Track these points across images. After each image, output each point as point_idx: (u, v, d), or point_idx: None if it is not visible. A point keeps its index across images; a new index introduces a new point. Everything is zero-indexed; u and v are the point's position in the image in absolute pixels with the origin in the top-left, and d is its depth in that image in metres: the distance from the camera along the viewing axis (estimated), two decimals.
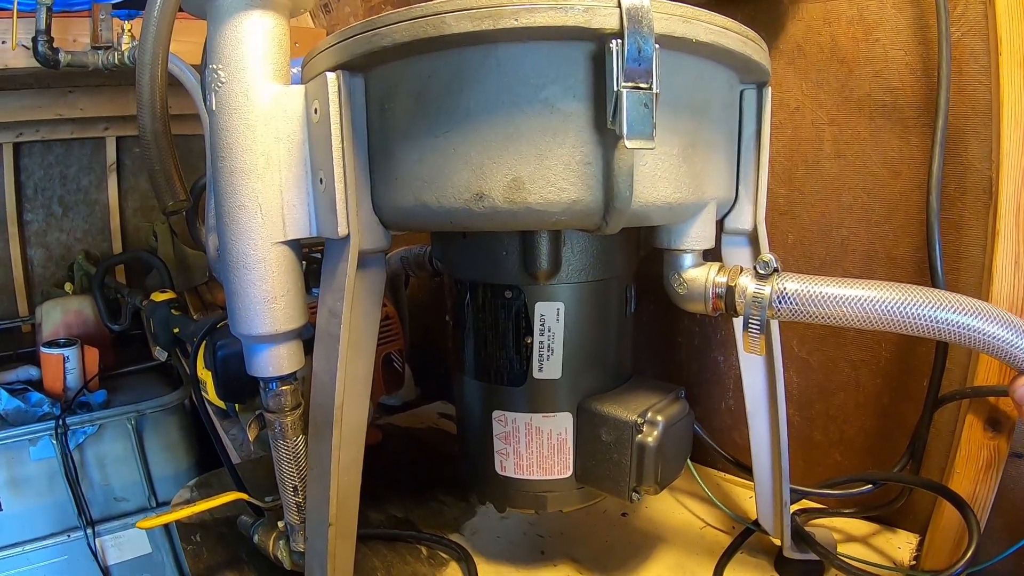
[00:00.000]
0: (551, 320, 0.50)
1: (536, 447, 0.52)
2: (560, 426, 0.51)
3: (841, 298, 0.38)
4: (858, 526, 0.65)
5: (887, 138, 0.61)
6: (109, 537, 1.32)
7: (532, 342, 0.50)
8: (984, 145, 0.55)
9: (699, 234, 0.44)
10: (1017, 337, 0.36)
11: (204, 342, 0.99)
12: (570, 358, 0.51)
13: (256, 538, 0.57)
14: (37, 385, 1.36)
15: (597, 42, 0.33)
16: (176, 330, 1.23)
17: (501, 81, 0.34)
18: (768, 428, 0.56)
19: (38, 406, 1.30)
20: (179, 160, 0.46)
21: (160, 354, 1.52)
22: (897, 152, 0.60)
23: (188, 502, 0.74)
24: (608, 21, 0.32)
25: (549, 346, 0.50)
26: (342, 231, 0.39)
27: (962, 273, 0.58)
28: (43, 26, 1.07)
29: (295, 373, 0.46)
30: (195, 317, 1.36)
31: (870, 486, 0.61)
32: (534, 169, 0.35)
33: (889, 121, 0.61)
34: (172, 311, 1.28)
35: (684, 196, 0.40)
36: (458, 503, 0.73)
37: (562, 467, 0.52)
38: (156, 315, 1.29)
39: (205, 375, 1.05)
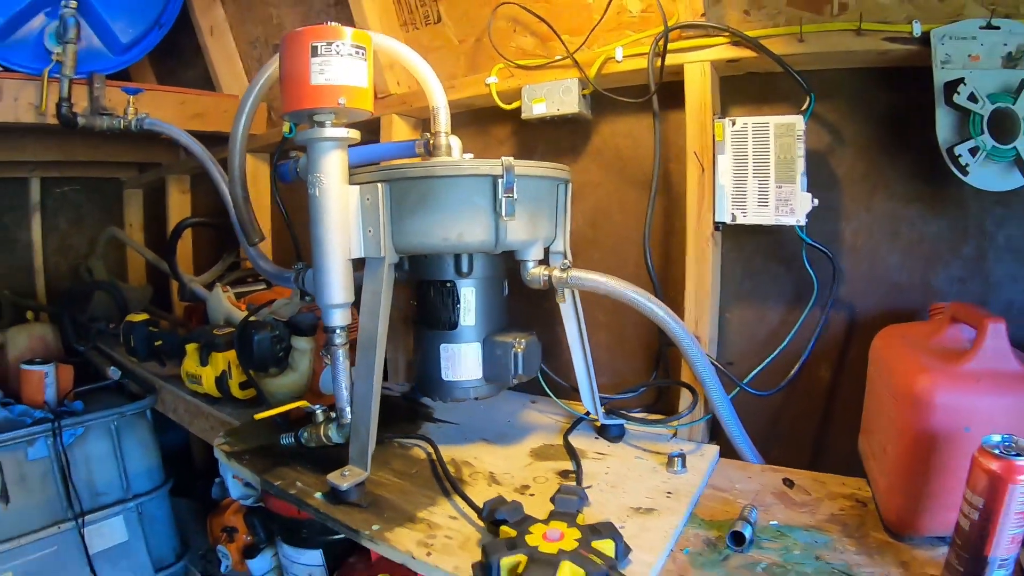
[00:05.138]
0: (468, 296, 1.01)
1: (463, 360, 1.02)
2: (477, 350, 1.02)
3: (593, 280, 0.94)
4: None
5: (641, 200, 1.18)
6: (92, 527, 1.53)
7: (460, 307, 1.01)
8: (682, 204, 1.12)
9: (536, 252, 0.98)
10: (667, 317, 0.94)
11: (197, 343, 1.36)
12: (479, 315, 1.02)
13: (304, 436, 1.00)
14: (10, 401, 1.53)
15: (493, 178, 0.86)
16: (158, 343, 1.54)
17: (455, 194, 0.87)
18: (582, 352, 1.10)
19: (24, 415, 1.51)
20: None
21: (114, 373, 1.77)
22: (644, 208, 1.18)
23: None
24: (497, 170, 0.85)
25: (468, 308, 1.01)
26: (382, 254, 0.88)
27: (670, 271, 1.16)
28: (66, 93, 1.41)
29: (347, 325, 0.93)
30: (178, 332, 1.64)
31: (643, 388, 1.19)
32: (467, 228, 0.88)
33: (643, 191, 1.18)
34: (150, 328, 1.59)
35: (529, 237, 0.94)
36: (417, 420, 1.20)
37: (477, 371, 1.03)
38: (136, 333, 1.58)
39: (199, 371, 1.39)
